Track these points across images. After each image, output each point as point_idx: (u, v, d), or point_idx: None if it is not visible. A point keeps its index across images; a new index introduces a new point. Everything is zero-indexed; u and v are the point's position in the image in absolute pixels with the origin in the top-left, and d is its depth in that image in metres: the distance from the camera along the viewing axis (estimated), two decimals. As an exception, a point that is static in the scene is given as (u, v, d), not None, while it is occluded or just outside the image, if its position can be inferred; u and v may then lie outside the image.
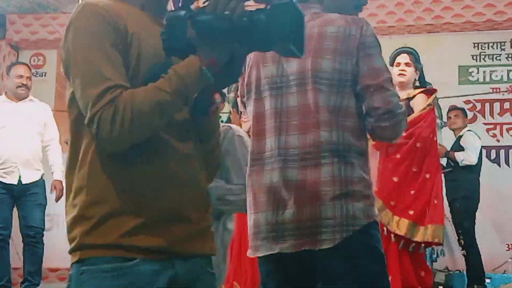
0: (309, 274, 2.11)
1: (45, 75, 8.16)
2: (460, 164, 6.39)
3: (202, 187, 1.67)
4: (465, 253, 6.29)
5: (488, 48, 7.59)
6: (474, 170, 6.44)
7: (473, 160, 6.39)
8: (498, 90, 7.50)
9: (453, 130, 6.69)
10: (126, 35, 1.56)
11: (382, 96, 2.10)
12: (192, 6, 1.55)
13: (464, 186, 6.31)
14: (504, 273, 6.85)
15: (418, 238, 4.46)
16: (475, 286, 6.22)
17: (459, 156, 6.40)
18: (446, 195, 5.90)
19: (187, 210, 1.59)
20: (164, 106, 1.51)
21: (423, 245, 4.56)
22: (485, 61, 7.58)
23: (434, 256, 6.50)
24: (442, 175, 5.28)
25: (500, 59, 7.58)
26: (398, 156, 4.51)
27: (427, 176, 4.60)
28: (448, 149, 6.46)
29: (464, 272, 6.42)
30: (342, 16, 2.19)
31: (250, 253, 2.21)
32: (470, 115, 7.21)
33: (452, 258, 6.95)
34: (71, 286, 1.58)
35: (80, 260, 1.55)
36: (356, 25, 2.15)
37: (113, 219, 1.52)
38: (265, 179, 2.16)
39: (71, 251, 1.58)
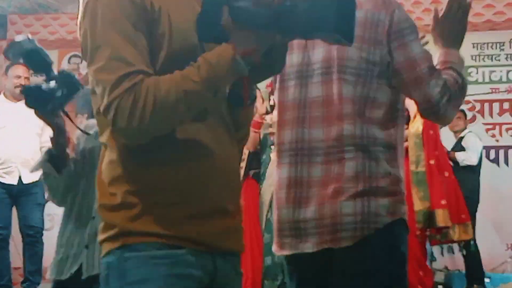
0: (325, 273, 2.02)
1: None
2: (461, 164, 6.40)
3: (238, 179, 1.59)
4: (464, 253, 6.30)
5: (488, 49, 7.60)
6: (475, 170, 6.46)
7: (474, 161, 6.41)
8: (497, 90, 7.51)
9: (454, 132, 6.71)
10: (153, 11, 1.40)
11: (420, 91, 1.94)
12: None
13: (465, 187, 6.30)
14: (503, 272, 6.85)
15: (465, 237, 4.56)
16: (475, 286, 6.22)
17: (460, 156, 6.42)
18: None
19: (227, 204, 1.49)
20: (191, 97, 1.36)
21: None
22: (484, 61, 7.58)
23: (445, 253, 6.52)
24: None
25: (499, 60, 7.59)
26: (432, 162, 4.56)
27: (446, 174, 4.64)
28: (449, 150, 6.48)
29: (464, 272, 6.43)
30: None
31: (275, 250, 2.12)
32: (469, 115, 7.22)
33: (451, 258, 6.95)
34: (111, 274, 1.41)
35: (123, 246, 1.40)
36: (385, 9, 1.96)
37: (158, 209, 1.40)
38: (287, 173, 2.04)
39: (109, 239, 1.43)
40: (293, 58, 2.07)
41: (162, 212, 1.40)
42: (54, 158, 2.49)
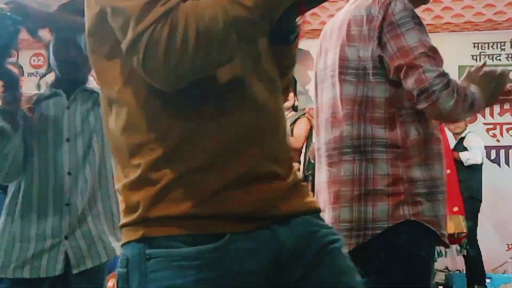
0: None
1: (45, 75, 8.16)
2: (465, 164, 6.39)
3: (287, 139, 1.29)
4: (465, 253, 6.29)
5: (488, 48, 7.59)
6: (478, 169, 6.46)
7: (478, 159, 6.42)
8: (498, 90, 7.51)
9: (454, 133, 6.71)
10: None
11: (414, 75, 1.85)
12: None
13: (469, 186, 6.31)
14: (504, 273, 6.84)
15: (457, 230, 4.62)
16: (476, 286, 6.22)
17: (464, 155, 6.41)
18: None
19: (276, 167, 1.20)
20: (243, 25, 1.06)
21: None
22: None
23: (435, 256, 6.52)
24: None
25: (500, 59, 7.58)
26: None
27: (448, 171, 4.66)
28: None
29: (464, 272, 6.42)
30: None
31: None
32: (470, 115, 7.21)
33: (452, 258, 6.94)
34: (132, 274, 1.13)
35: (144, 239, 1.12)
36: (379, 3, 1.90)
37: (188, 180, 1.11)
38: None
39: (129, 225, 1.15)
40: (319, 63, 2.08)
41: (192, 184, 1.12)
42: (7, 116, 2.18)
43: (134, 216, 1.14)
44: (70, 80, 2.39)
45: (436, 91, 1.85)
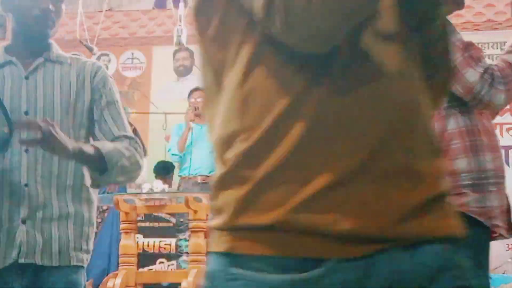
0: None
1: None
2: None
3: (426, 118, 0.99)
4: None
5: (488, 48, 7.59)
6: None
7: None
8: (498, 90, 7.52)
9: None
10: None
11: (460, 84, 1.86)
12: None
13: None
14: (504, 273, 6.84)
15: None
16: (475, 286, 6.22)
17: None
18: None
19: (415, 161, 0.91)
20: None
21: None
22: (485, 61, 7.58)
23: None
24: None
25: (500, 59, 7.59)
26: None
27: None
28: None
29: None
30: None
31: None
32: (470, 115, 7.22)
33: (452, 258, 6.95)
34: None
35: (230, 254, 0.90)
36: None
37: (281, 179, 0.87)
38: None
39: (216, 229, 0.94)
40: None
41: (290, 180, 0.86)
42: None
43: (220, 220, 0.93)
44: (32, 42, 2.11)
45: (485, 95, 1.88)
